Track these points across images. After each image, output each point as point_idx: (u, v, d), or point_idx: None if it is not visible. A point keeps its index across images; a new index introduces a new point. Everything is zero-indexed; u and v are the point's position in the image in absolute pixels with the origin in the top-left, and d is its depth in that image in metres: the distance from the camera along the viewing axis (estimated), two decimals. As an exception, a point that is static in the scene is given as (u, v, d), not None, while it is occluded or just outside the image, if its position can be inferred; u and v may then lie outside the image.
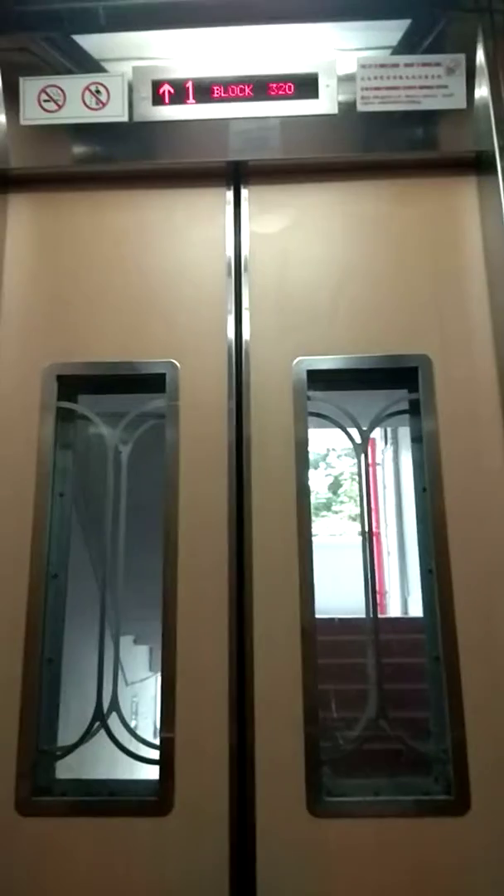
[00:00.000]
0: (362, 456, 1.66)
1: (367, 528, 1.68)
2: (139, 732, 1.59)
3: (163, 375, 1.64)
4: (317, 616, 1.53)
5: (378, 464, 7.74)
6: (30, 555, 1.56)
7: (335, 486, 10.10)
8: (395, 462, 7.49)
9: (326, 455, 9.96)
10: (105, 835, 1.43)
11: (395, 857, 1.41)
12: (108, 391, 1.73)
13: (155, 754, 1.49)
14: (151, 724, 5.45)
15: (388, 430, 7.17)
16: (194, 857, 1.41)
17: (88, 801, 1.48)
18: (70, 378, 1.67)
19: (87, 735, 1.51)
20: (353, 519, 9.51)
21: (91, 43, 1.74)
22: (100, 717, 1.52)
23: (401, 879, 1.40)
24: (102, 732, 1.52)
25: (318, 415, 1.67)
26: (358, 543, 1.61)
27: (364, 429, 1.65)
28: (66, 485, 1.67)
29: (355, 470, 9.92)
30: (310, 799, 1.43)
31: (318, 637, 1.51)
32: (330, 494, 9.99)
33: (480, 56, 1.68)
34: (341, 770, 1.49)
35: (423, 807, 1.45)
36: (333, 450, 9.79)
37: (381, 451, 7.76)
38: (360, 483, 1.67)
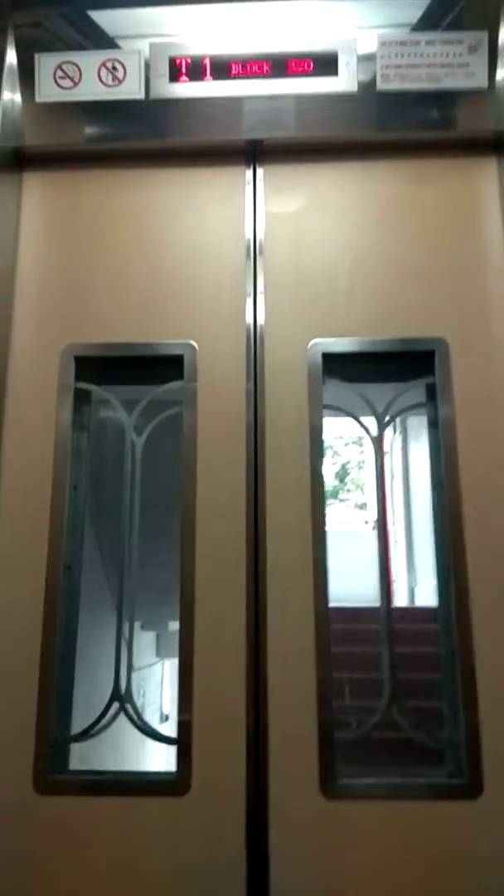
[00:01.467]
0: (378, 444, 1.65)
1: (381, 517, 1.67)
2: (146, 717, 1.59)
3: (181, 357, 1.64)
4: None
5: (386, 452, 7.72)
6: (48, 536, 1.56)
7: (342, 475, 10.08)
8: (403, 451, 7.46)
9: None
10: (123, 814, 1.44)
11: (407, 839, 1.42)
12: (125, 373, 1.71)
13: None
14: (158, 709, 5.50)
15: (398, 418, 7.13)
16: (210, 837, 1.42)
17: (106, 781, 1.49)
18: (87, 359, 1.66)
19: (104, 716, 1.52)
20: (360, 507, 9.49)
21: (107, 19, 1.72)
22: (118, 699, 1.52)
23: (413, 862, 1.41)
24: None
25: (335, 408, 1.66)
26: (363, 532, 1.61)
27: (380, 411, 1.64)
28: (81, 468, 1.67)
29: (361, 458, 9.91)
30: (323, 781, 1.44)
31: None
32: (336, 482, 9.97)
33: (503, 35, 1.65)
34: (354, 758, 1.49)
35: (435, 790, 1.45)
36: (340, 437, 9.74)
37: (390, 440, 7.74)
38: (375, 472, 1.66)
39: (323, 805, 1.43)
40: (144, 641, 4.90)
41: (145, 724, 1.54)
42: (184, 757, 1.45)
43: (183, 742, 1.46)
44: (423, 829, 1.42)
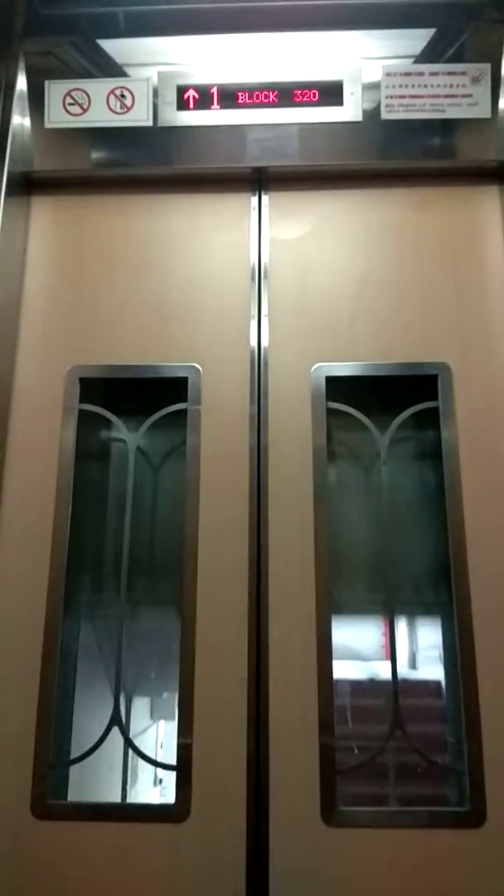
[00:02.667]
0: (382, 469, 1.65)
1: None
2: (139, 782, 1.60)
3: (185, 379, 1.65)
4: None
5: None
6: (49, 554, 1.56)
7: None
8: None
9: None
10: (122, 840, 1.42)
11: (409, 868, 1.40)
12: (130, 395, 1.72)
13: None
14: (152, 772, 5.37)
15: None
16: (210, 863, 1.40)
17: (105, 806, 1.47)
18: (92, 381, 1.67)
19: (101, 742, 1.51)
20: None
21: (116, 48, 1.75)
22: (117, 722, 1.51)
23: (415, 890, 1.39)
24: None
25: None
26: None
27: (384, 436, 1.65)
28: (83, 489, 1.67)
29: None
30: (324, 808, 1.42)
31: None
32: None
33: (505, 66, 1.68)
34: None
35: (438, 818, 1.43)
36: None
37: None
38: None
39: (324, 832, 1.41)
40: (137, 707, 4.78)
41: (148, 756, 1.53)
42: (183, 782, 1.44)
43: (183, 767, 1.44)
44: (425, 857, 1.40)
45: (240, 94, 1.70)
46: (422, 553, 1.63)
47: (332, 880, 1.40)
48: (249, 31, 1.74)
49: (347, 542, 1.61)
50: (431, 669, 1.64)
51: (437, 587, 1.62)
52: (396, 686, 1.51)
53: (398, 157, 1.72)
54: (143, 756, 1.51)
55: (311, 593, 1.52)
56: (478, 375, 1.63)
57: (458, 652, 1.49)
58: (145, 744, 1.61)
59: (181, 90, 1.70)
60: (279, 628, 1.50)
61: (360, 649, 1.66)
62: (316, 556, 1.54)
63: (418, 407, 1.65)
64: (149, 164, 1.74)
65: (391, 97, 1.68)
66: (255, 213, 1.76)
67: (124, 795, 1.52)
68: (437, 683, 1.63)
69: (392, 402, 1.67)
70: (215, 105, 1.70)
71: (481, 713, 1.45)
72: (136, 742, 1.54)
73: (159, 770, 1.57)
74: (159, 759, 1.55)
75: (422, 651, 1.66)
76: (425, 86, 1.68)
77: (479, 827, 1.41)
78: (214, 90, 1.70)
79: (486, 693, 1.46)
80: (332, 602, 1.52)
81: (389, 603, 1.57)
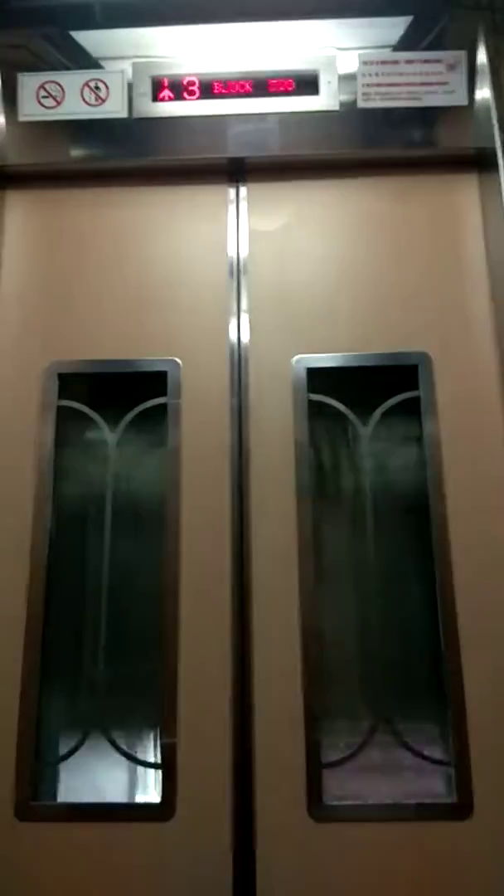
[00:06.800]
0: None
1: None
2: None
3: (165, 373, 1.63)
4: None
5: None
6: (29, 550, 1.55)
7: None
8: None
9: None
10: (106, 840, 1.41)
11: (397, 861, 1.39)
12: (109, 391, 1.70)
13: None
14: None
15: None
16: (196, 861, 1.39)
17: (89, 806, 1.45)
18: (71, 376, 1.65)
19: (83, 742, 1.49)
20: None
21: (90, 40, 1.74)
22: (100, 721, 1.50)
23: (403, 884, 1.38)
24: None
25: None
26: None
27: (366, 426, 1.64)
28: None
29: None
30: (311, 803, 1.41)
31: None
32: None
33: (482, 54, 1.68)
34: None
35: (425, 810, 1.43)
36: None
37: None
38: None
39: (311, 827, 1.40)
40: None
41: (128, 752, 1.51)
42: (168, 781, 1.42)
43: (167, 765, 1.43)
44: (413, 850, 1.40)
45: (215, 84, 1.68)
46: (406, 545, 1.61)
47: (320, 876, 1.39)
48: (224, 21, 1.73)
49: (330, 534, 1.59)
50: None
51: (422, 577, 1.60)
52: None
53: (376, 146, 1.71)
54: (125, 755, 1.49)
55: (295, 586, 1.51)
56: (458, 364, 1.63)
57: (444, 646, 1.48)
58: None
59: (156, 81, 1.69)
60: (263, 623, 1.49)
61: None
62: (299, 548, 1.53)
63: (400, 397, 1.64)
64: (125, 156, 1.72)
65: (367, 86, 1.67)
66: (232, 205, 1.74)
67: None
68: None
69: (374, 392, 1.66)
70: (190, 96, 1.68)
71: (466, 704, 1.44)
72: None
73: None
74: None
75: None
76: (401, 74, 1.67)
77: (467, 819, 1.40)
78: (189, 81, 1.68)
79: (472, 683, 1.45)
80: (315, 597, 1.51)
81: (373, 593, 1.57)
